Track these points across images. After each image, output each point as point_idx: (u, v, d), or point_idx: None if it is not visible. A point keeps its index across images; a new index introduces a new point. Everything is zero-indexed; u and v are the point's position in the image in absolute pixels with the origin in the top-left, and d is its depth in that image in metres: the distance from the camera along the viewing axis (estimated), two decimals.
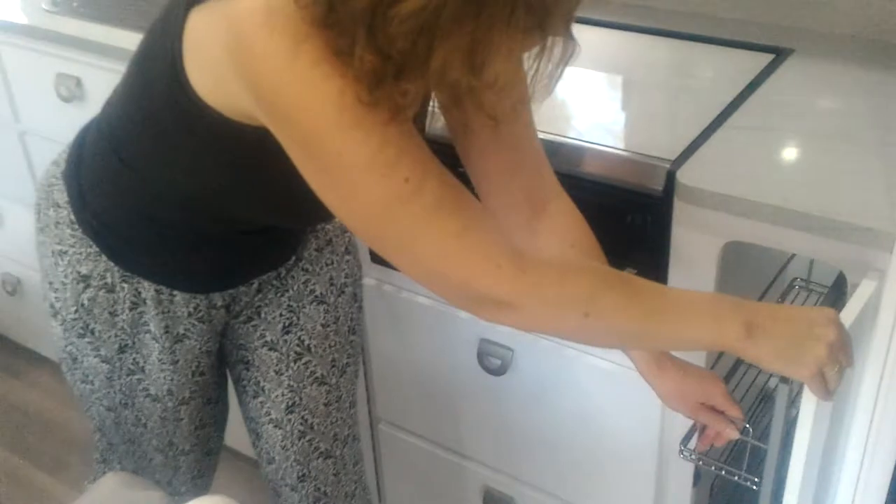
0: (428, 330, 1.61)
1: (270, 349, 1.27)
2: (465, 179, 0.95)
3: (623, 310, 0.88)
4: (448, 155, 0.96)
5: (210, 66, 0.88)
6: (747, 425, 1.04)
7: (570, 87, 1.46)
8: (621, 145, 1.27)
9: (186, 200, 1.05)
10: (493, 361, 1.53)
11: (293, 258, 1.24)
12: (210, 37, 0.86)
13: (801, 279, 1.44)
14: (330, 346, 1.30)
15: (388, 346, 1.68)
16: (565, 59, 0.76)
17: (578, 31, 0.77)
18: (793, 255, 1.40)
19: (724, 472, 1.12)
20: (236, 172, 0.99)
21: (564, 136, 1.30)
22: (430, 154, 0.84)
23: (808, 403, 0.91)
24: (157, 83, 0.95)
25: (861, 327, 0.97)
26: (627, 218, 1.25)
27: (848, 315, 0.95)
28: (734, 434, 1.07)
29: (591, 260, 1.05)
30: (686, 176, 1.18)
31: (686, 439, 1.17)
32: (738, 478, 1.09)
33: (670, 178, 1.18)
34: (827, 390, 0.89)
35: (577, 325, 0.88)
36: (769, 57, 1.49)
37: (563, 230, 1.06)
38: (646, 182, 1.21)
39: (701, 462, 1.16)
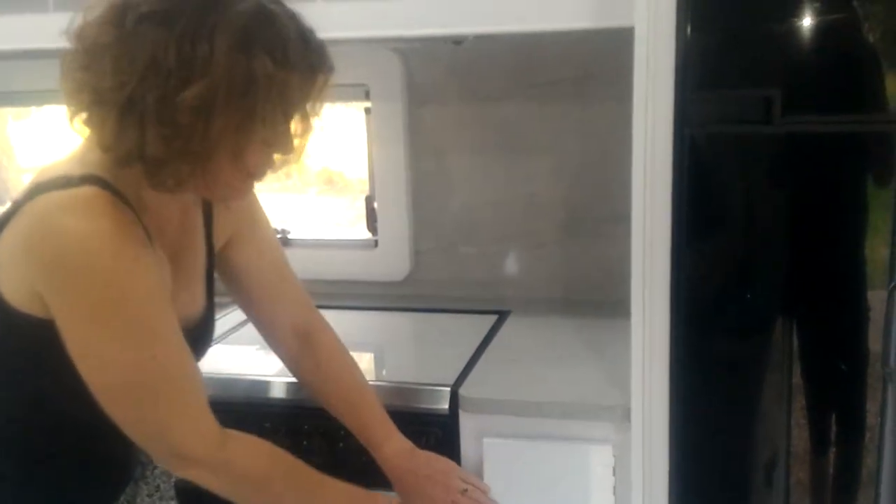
0: None
1: None
2: None
3: (292, 490, 1.14)
4: None
5: (11, 265, 0.99)
6: None
7: (365, 350, 1.83)
8: (412, 380, 1.59)
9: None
10: None
11: None
12: (12, 238, 0.99)
13: None
14: None
15: None
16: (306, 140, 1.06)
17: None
18: None
19: None
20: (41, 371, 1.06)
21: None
22: (176, 327, 1.05)
23: None
24: None
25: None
26: (422, 439, 1.52)
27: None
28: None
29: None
30: (466, 392, 1.52)
31: None
32: None
33: (454, 395, 1.52)
34: None
35: (253, 496, 1.13)
36: (494, 317, 1.95)
37: (331, 359, 1.36)
38: (434, 404, 1.52)
39: None
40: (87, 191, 0.97)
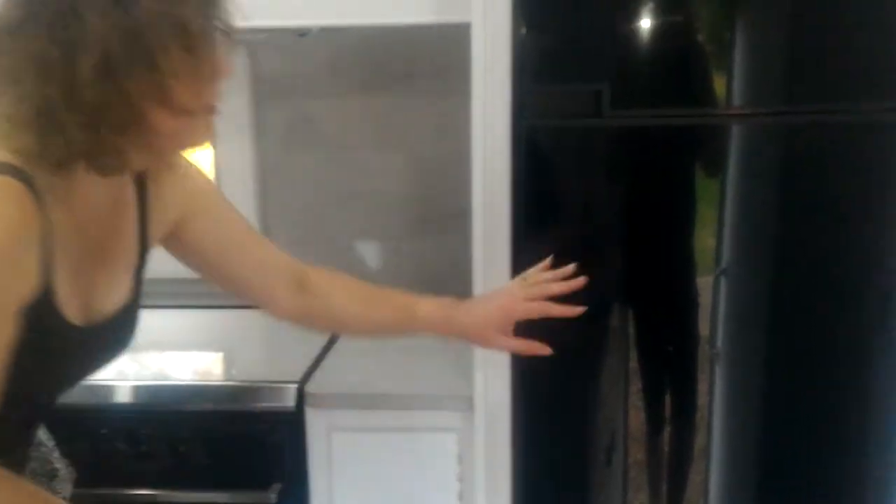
0: None
1: None
2: None
3: None
4: None
5: None
6: None
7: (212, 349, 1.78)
8: (259, 378, 1.56)
9: None
10: None
11: None
12: None
13: None
14: None
15: None
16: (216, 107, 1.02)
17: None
18: None
19: None
20: None
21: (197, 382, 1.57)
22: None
23: None
24: None
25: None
26: (269, 438, 1.50)
27: None
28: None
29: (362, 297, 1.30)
30: (312, 388, 1.51)
31: None
32: None
33: (300, 392, 1.50)
34: None
35: None
36: None
37: (331, 288, 1.29)
38: (281, 402, 1.50)
39: None
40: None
